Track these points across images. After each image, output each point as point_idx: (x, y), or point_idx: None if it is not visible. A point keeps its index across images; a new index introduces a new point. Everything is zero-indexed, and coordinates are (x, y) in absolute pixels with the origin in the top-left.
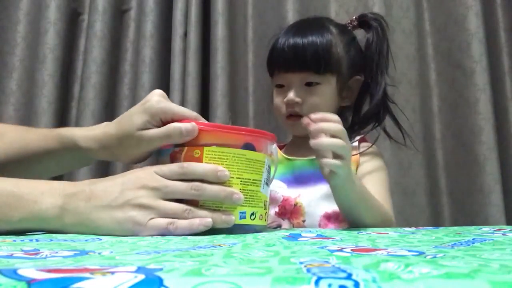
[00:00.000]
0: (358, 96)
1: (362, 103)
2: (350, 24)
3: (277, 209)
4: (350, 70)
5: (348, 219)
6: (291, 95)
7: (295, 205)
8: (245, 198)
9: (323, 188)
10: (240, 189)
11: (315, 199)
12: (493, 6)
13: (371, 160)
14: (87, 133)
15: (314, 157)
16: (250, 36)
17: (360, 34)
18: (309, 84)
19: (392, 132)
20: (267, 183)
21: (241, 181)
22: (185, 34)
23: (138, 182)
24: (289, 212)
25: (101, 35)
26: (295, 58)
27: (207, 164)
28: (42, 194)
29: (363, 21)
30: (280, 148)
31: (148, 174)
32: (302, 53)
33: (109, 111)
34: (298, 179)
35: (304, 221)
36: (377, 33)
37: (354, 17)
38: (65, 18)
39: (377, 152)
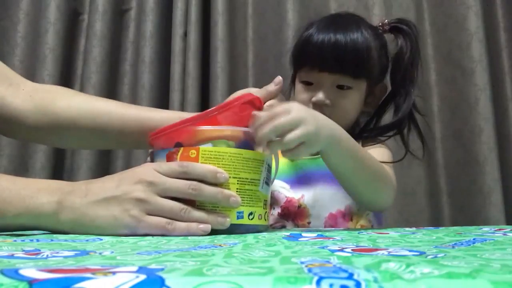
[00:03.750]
0: (381, 104)
1: (384, 111)
2: (381, 28)
3: (279, 210)
4: (379, 76)
5: (341, 179)
6: (321, 96)
7: (299, 206)
8: (243, 197)
9: (326, 188)
10: (237, 188)
11: (320, 201)
12: (493, 6)
13: (374, 148)
14: None
15: (316, 156)
16: (250, 36)
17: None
18: (340, 87)
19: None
20: (267, 182)
21: (238, 180)
22: (185, 34)
23: (135, 177)
24: (294, 214)
25: (101, 35)
26: (334, 59)
27: (207, 165)
28: (38, 190)
29: (395, 27)
30: None
31: (146, 170)
32: (342, 55)
33: None
34: (301, 179)
35: (309, 222)
36: (411, 41)
37: (385, 20)
38: (65, 18)
39: (382, 144)
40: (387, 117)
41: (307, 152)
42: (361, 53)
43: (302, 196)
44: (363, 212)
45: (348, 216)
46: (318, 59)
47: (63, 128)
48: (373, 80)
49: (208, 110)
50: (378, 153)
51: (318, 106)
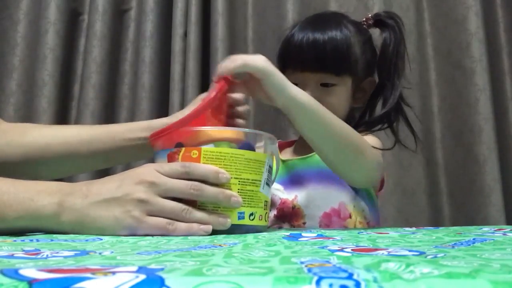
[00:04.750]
0: (370, 98)
1: (375, 105)
2: (365, 23)
3: (275, 212)
4: (365, 71)
5: (312, 145)
6: None
7: (293, 207)
8: (244, 198)
9: (318, 187)
10: (239, 189)
11: (312, 200)
12: (493, 6)
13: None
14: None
15: (306, 156)
16: (250, 36)
17: (373, 34)
18: (325, 85)
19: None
20: (268, 183)
21: (239, 181)
22: (185, 34)
23: (136, 178)
24: (289, 215)
25: (101, 35)
26: (314, 58)
27: (208, 165)
28: (39, 192)
29: (379, 20)
30: (289, 145)
31: (147, 171)
32: (322, 53)
33: (109, 111)
34: (293, 180)
35: (304, 223)
36: (394, 33)
37: (369, 15)
38: (65, 18)
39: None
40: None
41: (262, 95)
42: (341, 50)
43: (295, 197)
44: (358, 209)
45: (343, 213)
46: (299, 59)
47: (35, 158)
48: (359, 75)
49: (196, 108)
50: (366, 139)
51: None
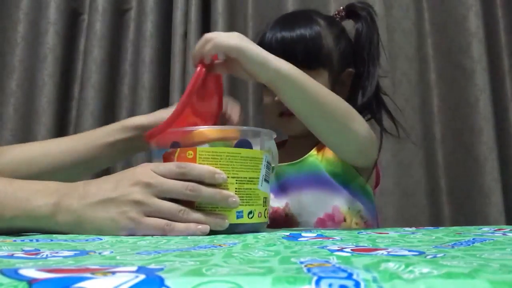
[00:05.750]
0: (351, 90)
1: (356, 97)
2: (337, 15)
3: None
4: (341, 63)
5: (299, 116)
6: None
7: (286, 215)
8: (242, 197)
9: (309, 193)
10: (236, 188)
11: (305, 207)
12: (493, 6)
13: None
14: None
15: (295, 161)
16: (250, 36)
17: (349, 26)
18: None
19: (389, 126)
20: (267, 179)
21: (236, 180)
22: (185, 34)
23: (133, 178)
24: (282, 223)
25: (101, 35)
26: (284, 54)
27: (205, 165)
28: (35, 193)
29: (351, 11)
30: (280, 146)
31: (144, 171)
32: (291, 48)
33: (109, 111)
34: (282, 187)
35: None
36: (366, 22)
37: (341, 7)
38: (65, 18)
39: None
40: None
41: (243, 72)
42: (310, 43)
43: (286, 205)
44: (353, 210)
45: (337, 217)
46: None
47: (15, 175)
48: (335, 67)
49: (182, 99)
50: None
51: (282, 104)
